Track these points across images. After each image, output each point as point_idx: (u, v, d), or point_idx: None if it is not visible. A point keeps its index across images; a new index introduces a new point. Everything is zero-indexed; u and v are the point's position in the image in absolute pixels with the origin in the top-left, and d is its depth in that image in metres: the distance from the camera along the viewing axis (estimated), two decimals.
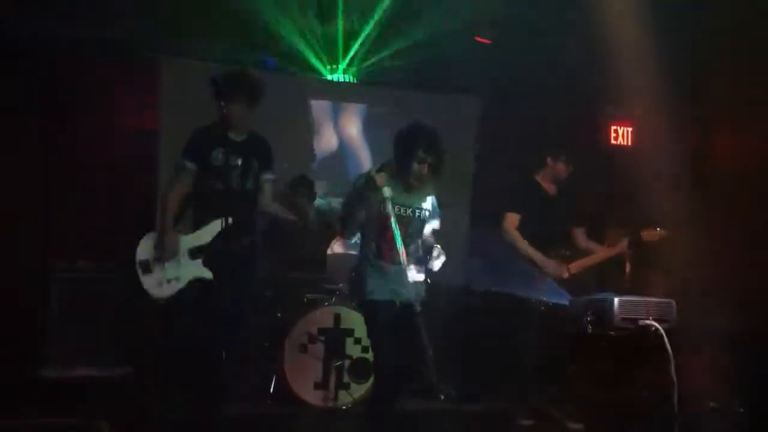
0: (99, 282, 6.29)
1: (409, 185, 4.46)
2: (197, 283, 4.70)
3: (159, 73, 6.91)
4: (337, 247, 6.36)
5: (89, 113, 6.91)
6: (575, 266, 5.70)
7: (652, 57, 6.14)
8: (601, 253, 5.80)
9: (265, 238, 4.94)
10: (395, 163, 4.50)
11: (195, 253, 4.71)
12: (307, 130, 7.44)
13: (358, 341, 5.67)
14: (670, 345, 4.71)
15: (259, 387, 5.75)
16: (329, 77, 7.65)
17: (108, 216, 6.75)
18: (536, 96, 7.29)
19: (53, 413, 5.17)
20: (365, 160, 7.27)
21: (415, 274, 4.45)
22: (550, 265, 5.60)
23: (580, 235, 5.91)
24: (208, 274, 4.68)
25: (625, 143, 7.42)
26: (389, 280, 4.36)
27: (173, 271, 4.69)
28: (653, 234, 5.62)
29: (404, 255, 4.25)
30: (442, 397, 4.41)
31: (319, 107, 7.51)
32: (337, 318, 5.69)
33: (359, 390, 5.64)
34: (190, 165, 4.71)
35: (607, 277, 6.02)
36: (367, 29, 7.34)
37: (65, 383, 5.93)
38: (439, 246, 4.93)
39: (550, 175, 5.79)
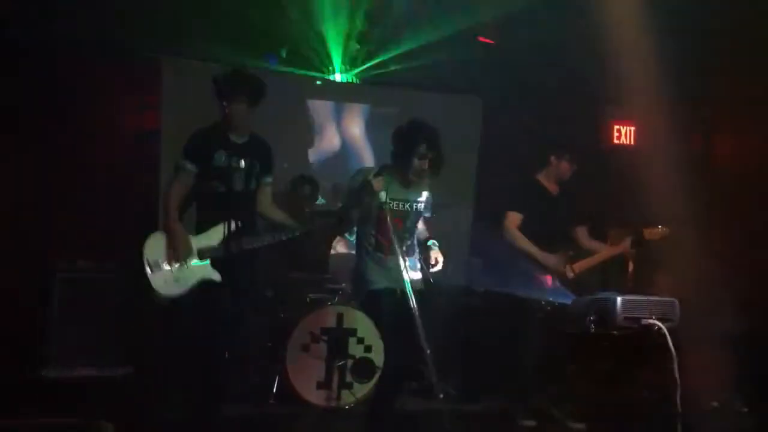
0: (99, 282, 6.28)
1: (408, 181, 4.60)
2: (204, 284, 4.68)
3: (159, 74, 6.90)
4: (340, 247, 6.37)
5: (89, 113, 6.90)
6: (579, 266, 5.70)
7: (653, 57, 6.14)
8: (604, 251, 5.80)
9: (270, 247, 4.93)
10: (395, 159, 4.58)
11: (204, 254, 4.70)
12: (309, 130, 7.44)
13: (360, 341, 5.67)
14: (673, 344, 4.73)
15: (262, 387, 5.74)
16: (332, 77, 7.65)
17: (108, 216, 6.74)
18: (538, 96, 7.31)
19: (54, 413, 5.16)
20: (367, 161, 7.27)
21: (413, 265, 4.64)
22: (551, 259, 5.60)
23: (582, 235, 5.91)
24: (216, 276, 4.66)
25: (628, 143, 7.42)
26: (389, 270, 4.50)
27: (181, 271, 4.67)
28: (655, 232, 5.63)
29: (403, 249, 4.44)
30: (442, 396, 4.40)
31: (322, 107, 7.51)
32: (340, 318, 5.69)
33: (362, 390, 5.64)
34: (191, 166, 4.69)
35: (610, 276, 6.03)
36: (371, 30, 7.37)
37: (66, 383, 5.92)
38: (436, 243, 4.99)
39: (554, 175, 5.79)
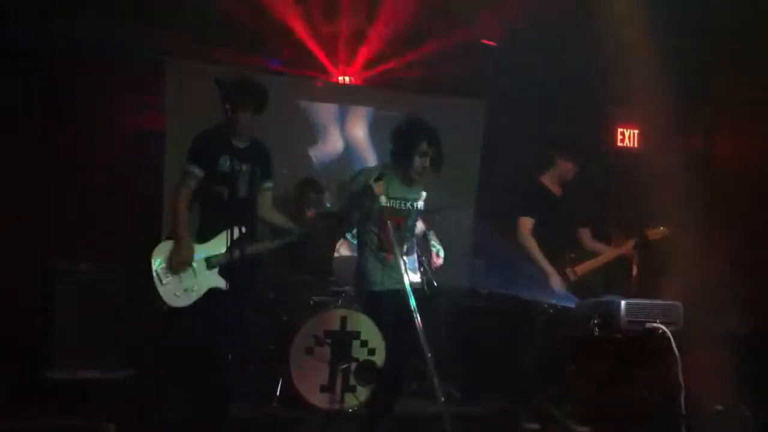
0: (102, 284, 6.25)
1: (409, 179, 4.62)
2: (213, 292, 4.67)
3: (162, 75, 6.87)
4: (343, 250, 6.36)
5: (89, 113, 6.86)
6: (582, 268, 5.70)
7: (655, 58, 6.15)
8: (607, 253, 5.81)
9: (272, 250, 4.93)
10: (395, 158, 4.59)
11: (212, 262, 4.69)
12: (313, 132, 7.41)
13: (364, 344, 5.66)
14: (677, 347, 4.75)
15: (266, 389, 5.74)
16: (336, 80, 7.63)
17: (109, 216, 6.72)
18: (541, 99, 7.30)
19: (57, 415, 5.17)
20: (371, 164, 7.18)
21: (413, 265, 4.70)
22: (556, 281, 5.58)
23: (585, 236, 5.92)
24: (223, 284, 4.65)
25: (632, 145, 7.43)
26: (392, 270, 4.53)
27: (190, 280, 4.65)
28: (657, 232, 5.65)
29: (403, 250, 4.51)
30: (443, 398, 4.40)
31: (325, 110, 7.49)
32: (344, 321, 5.68)
33: (365, 393, 5.62)
34: (198, 171, 4.68)
35: (614, 279, 6.04)
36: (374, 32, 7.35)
37: (69, 385, 5.90)
38: (434, 234, 5.03)
39: (557, 176, 5.79)
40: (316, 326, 5.66)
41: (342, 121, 7.52)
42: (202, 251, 4.69)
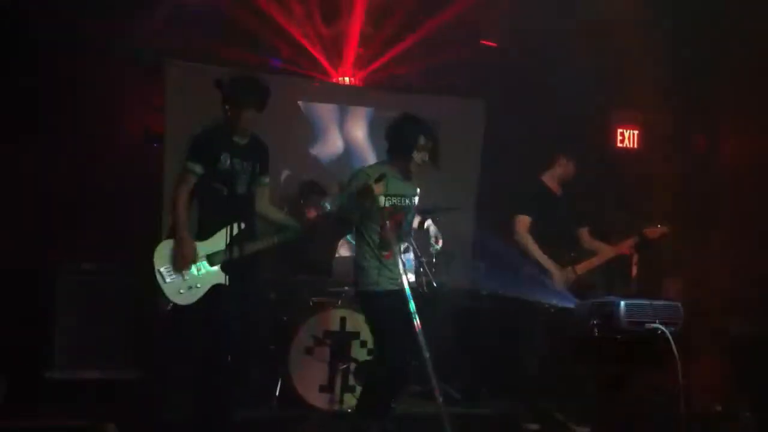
0: (104, 284, 6.25)
1: (408, 175, 4.61)
2: (216, 290, 4.67)
3: (162, 75, 6.87)
4: (343, 250, 6.36)
5: (90, 114, 6.86)
6: (582, 267, 5.70)
7: (657, 59, 6.16)
8: (607, 252, 5.81)
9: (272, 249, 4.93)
10: (392, 154, 4.59)
11: (214, 258, 4.69)
12: (312, 132, 7.41)
13: (363, 344, 5.66)
14: (677, 348, 4.74)
15: (265, 390, 5.73)
16: (336, 80, 7.63)
17: (109, 217, 6.72)
18: (542, 99, 7.30)
19: (57, 415, 5.17)
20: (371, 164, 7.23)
21: (410, 265, 4.65)
22: (558, 276, 5.59)
23: (585, 236, 5.92)
24: (226, 280, 4.66)
25: (632, 146, 7.43)
26: (392, 269, 4.53)
27: (193, 278, 4.66)
28: (656, 231, 5.64)
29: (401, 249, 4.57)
30: (443, 399, 4.40)
31: (325, 110, 7.49)
32: (343, 321, 5.69)
33: None
34: (199, 168, 4.68)
35: (614, 280, 6.04)
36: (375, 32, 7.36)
37: (69, 385, 5.90)
38: (432, 223, 5.05)
39: (559, 175, 5.79)
40: (315, 326, 5.66)
41: (342, 121, 7.52)
42: (202, 249, 4.69)
